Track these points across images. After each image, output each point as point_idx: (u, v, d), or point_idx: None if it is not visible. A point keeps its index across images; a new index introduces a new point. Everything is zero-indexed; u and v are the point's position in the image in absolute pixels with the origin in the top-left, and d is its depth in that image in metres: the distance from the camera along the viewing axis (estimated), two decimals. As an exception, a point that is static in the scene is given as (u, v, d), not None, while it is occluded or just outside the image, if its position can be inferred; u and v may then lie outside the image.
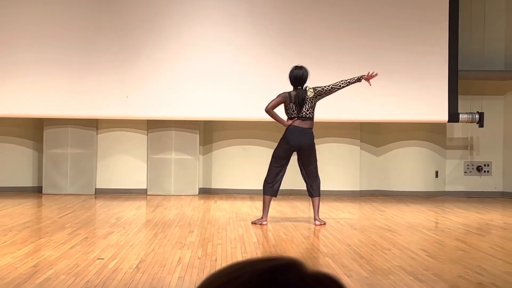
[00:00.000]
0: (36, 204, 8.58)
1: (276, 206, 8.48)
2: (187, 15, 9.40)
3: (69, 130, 9.68)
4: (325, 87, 6.68)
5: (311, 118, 6.71)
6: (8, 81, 9.22)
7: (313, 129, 6.74)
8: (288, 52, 9.35)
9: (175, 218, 7.26)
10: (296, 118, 6.67)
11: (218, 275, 0.73)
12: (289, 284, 0.70)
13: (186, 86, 9.35)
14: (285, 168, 6.90)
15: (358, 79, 6.69)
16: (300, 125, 6.65)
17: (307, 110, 6.66)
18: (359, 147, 10.05)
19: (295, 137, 6.65)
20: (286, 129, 6.74)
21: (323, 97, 6.72)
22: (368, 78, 6.69)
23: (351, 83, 6.72)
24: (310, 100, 6.66)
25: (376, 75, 6.74)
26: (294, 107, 6.67)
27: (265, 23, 9.44)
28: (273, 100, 6.71)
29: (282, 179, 6.95)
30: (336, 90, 6.71)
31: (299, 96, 6.64)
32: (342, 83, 6.68)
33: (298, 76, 6.70)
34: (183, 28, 9.38)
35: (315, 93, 6.65)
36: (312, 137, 6.71)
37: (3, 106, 9.20)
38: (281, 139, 6.83)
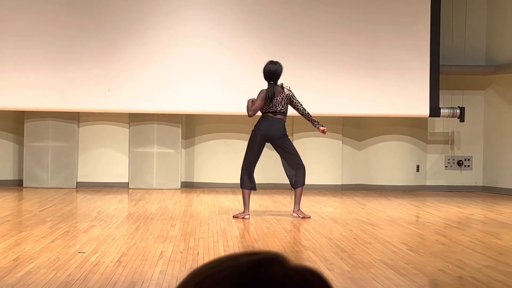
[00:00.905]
0: (16, 198, 8.51)
1: (258, 200, 8.49)
2: (170, 10, 9.35)
3: (50, 123, 9.61)
4: (298, 103, 6.88)
5: (284, 113, 6.81)
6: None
7: (285, 123, 6.85)
8: (270, 46, 9.36)
9: (157, 212, 7.24)
10: (267, 112, 6.78)
11: (201, 269, 0.73)
12: (271, 278, 0.70)
13: (169, 80, 9.32)
14: (258, 159, 6.99)
15: (314, 123, 6.97)
16: (274, 116, 6.77)
17: (280, 105, 6.76)
18: (341, 141, 10.08)
19: (264, 125, 6.75)
20: (258, 119, 6.86)
21: (291, 106, 6.89)
22: (319, 130, 7.00)
23: (309, 120, 6.98)
24: (285, 97, 6.78)
25: (325, 132, 7.14)
26: (266, 101, 6.76)
27: (246, 17, 9.42)
28: (255, 104, 6.77)
29: (254, 170, 7.04)
30: (297, 111, 6.94)
31: (270, 90, 6.74)
32: (306, 114, 6.93)
33: (271, 71, 6.79)
34: (166, 23, 9.34)
35: (291, 95, 6.82)
36: (281, 127, 6.77)
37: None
38: (252, 130, 6.91)
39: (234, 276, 0.70)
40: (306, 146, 10.00)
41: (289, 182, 7.07)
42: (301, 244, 5.45)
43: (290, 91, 6.82)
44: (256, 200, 8.50)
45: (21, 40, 9.17)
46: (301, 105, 6.89)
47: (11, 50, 9.16)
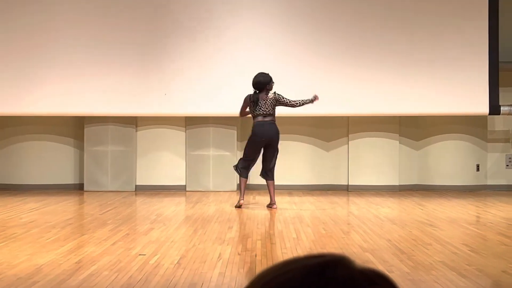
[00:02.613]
0: (78, 201, 8.72)
1: (315, 202, 8.47)
2: (222, 13, 9.42)
3: (109, 128, 9.81)
4: (286, 99, 7.73)
5: (272, 115, 7.70)
6: (50, 81, 9.38)
7: (275, 122, 7.71)
8: (322, 47, 9.32)
9: (214, 214, 7.30)
10: (258, 115, 7.69)
11: (267, 271, 0.74)
12: (337, 279, 0.70)
13: (224, 83, 9.39)
14: (256, 160, 7.90)
15: (311, 101, 7.79)
16: (264, 119, 7.67)
17: (264, 107, 7.66)
18: (398, 141, 9.96)
19: (263, 130, 7.66)
20: (253, 125, 7.74)
21: (282, 105, 7.76)
22: (314, 99, 7.80)
23: (305, 103, 7.79)
24: (269, 100, 7.69)
25: (317, 99, 7.84)
26: (252, 105, 7.72)
27: (294, 18, 9.41)
28: (241, 107, 7.91)
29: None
30: (291, 107, 7.76)
31: (253, 96, 7.74)
32: (297, 103, 7.76)
33: (254, 82, 7.76)
34: (219, 27, 9.41)
35: (275, 97, 7.69)
36: (277, 129, 7.72)
37: (45, 105, 9.37)
38: (250, 136, 7.76)
39: (300, 277, 0.70)
40: (362, 146, 9.92)
41: (262, 174, 7.86)
42: (359, 245, 5.40)
43: (275, 94, 7.69)
44: (312, 201, 8.47)
45: (80, 47, 9.39)
46: (290, 100, 7.73)
47: (70, 57, 9.39)
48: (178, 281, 4.08)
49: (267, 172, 7.82)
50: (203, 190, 9.72)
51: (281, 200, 8.63)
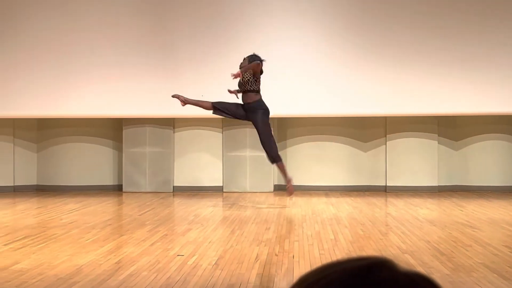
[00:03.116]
0: (117, 202, 8.82)
1: (352, 203, 8.42)
2: (260, 15, 9.43)
3: (147, 129, 9.91)
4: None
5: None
6: (89, 83, 9.51)
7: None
8: (359, 48, 9.26)
9: (251, 215, 7.31)
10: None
11: (310, 274, 0.73)
12: (381, 282, 0.69)
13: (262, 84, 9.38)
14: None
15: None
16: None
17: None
18: (437, 142, 9.83)
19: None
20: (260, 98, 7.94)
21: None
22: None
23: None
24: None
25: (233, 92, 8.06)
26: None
27: (335, 21, 9.36)
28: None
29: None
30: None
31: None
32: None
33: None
34: (256, 28, 9.42)
35: None
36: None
37: (84, 108, 9.51)
38: (266, 109, 7.91)
39: (343, 280, 0.70)
40: (400, 146, 9.82)
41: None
42: (398, 247, 5.34)
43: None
44: (350, 203, 8.42)
45: (117, 50, 9.49)
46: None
47: (108, 60, 9.50)
48: (216, 282, 4.10)
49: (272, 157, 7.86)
50: (240, 191, 9.74)
51: (318, 201, 8.60)
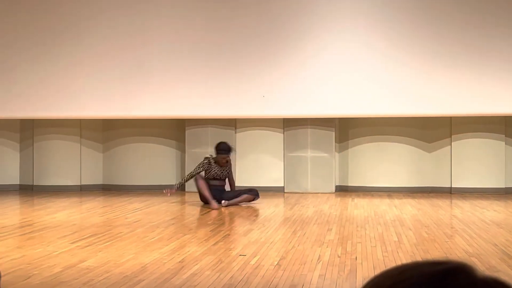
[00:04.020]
0: (180, 202, 8.93)
1: (416, 204, 8.28)
2: (324, 15, 9.39)
3: (209, 130, 10.01)
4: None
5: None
6: (152, 84, 9.67)
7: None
8: (424, 49, 9.10)
9: (313, 215, 7.28)
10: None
11: (383, 277, 0.72)
12: (458, 289, 0.67)
13: (321, 84, 9.35)
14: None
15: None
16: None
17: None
18: (504, 142, 9.56)
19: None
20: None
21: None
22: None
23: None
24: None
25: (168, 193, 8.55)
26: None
27: (397, 21, 9.22)
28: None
29: None
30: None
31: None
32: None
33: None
34: (319, 28, 9.38)
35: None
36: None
37: (148, 108, 9.67)
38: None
39: (419, 285, 0.68)
40: (466, 147, 9.61)
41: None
42: (464, 250, 5.22)
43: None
44: (414, 204, 8.28)
45: (180, 52, 9.61)
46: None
47: (171, 62, 9.63)
48: (278, 283, 4.09)
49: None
50: (301, 192, 9.72)
51: (380, 202, 8.49)
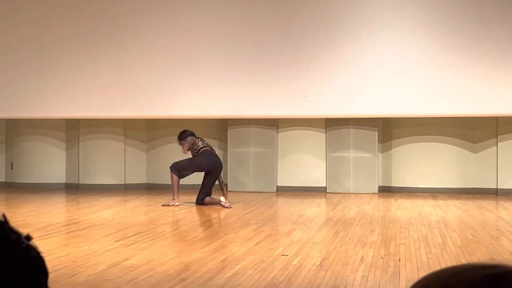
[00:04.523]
0: (221, 201, 8.96)
1: (461, 206, 8.14)
2: (366, 17, 9.31)
3: (251, 129, 10.03)
4: None
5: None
6: (194, 85, 9.73)
7: None
8: (468, 50, 8.95)
9: (356, 216, 7.23)
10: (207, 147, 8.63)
11: (433, 280, 0.71)
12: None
13: (364, 84, 9.27)
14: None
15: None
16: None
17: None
18: (552, 143, 9.34)
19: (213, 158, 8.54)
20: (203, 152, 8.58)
21: None
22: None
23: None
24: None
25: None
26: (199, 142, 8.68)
27: (440, 21, 9.09)
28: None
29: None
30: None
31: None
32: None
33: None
34: (362, 30, 9.31)
35: None
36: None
37: (191, 108, 9.74)
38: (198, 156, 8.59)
39: (468, 291, 0.67)
40: (509, 148, 9.42)
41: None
42: (510, 252, 5.12)
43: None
44: (458, 205, 8.15)
45: (221, 52, 9.65)
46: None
47: (212, 62, 9.68)
48: (320, 283, 4.08)
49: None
50: (343, 192, 9.66)
51: (424, 203, 8.38)
